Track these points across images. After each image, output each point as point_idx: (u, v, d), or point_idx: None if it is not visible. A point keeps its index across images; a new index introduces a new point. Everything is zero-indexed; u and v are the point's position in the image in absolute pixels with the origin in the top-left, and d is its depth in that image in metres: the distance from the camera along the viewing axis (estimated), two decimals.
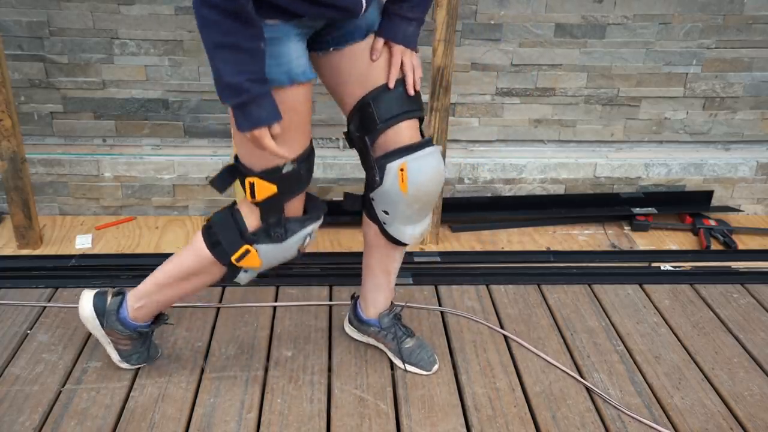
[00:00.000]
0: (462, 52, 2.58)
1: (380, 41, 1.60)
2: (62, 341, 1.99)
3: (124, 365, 1.86)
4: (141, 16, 2.47)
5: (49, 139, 2.66)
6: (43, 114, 2.62)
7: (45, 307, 2.14)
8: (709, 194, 2.83)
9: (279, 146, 1.46)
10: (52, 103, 2.60)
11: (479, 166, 2.73)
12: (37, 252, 2.46)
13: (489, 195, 2.78)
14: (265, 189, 1.56)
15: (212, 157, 2.65)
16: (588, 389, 1.87)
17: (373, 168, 1.66)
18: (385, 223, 1.74)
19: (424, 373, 1.89)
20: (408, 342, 1.92)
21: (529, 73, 2.66)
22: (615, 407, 1.81)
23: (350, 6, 1.49)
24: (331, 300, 2.22)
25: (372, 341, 1.98)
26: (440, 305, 2.21)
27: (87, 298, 1.81)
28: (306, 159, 1.60)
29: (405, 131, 1.64)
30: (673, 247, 2.63)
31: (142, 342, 1.85)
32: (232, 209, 1.66)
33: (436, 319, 2.14)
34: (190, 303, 2.17)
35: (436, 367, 1.91)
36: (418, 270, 2.40)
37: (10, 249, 2.47)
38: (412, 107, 1.65)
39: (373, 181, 1.68)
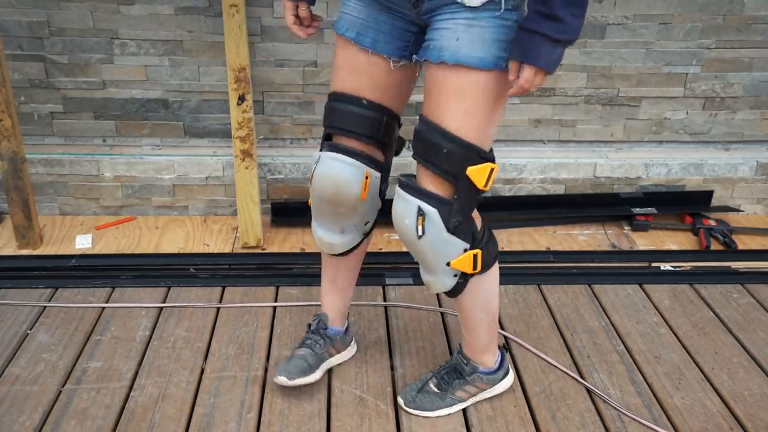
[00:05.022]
0: None
1: (512, 63, 1.39)
2: (62, 341, 2.00)
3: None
4: (141, 16, 2.47)
5: (49, 139, 2.66)
6: (43, 114, 2.62)
7: (45, 307, 2.14)
8: (709, 194, 2.83)
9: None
10: (52, 103, 2.60)
11: None
12: (37, 252, 2.46)
13: (489, 195, 2.78)
14: None
15: (212, 157, 2.65)
16: (588, 389, 1.87)
17: None
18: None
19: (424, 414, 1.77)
20: (431, 386, 1.79)
21: None
22: (615, 408, 1.81)
23: None
24: None
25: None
26: (440, 305, 2.21)
27: None
28: (335, 100, 1.62)
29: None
30: (673, 247, 2.63)
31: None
32: None
33: (437, 319, 2.14)
34: (189, 303, 2.17)
35: (437, 413, 1.76)
36: (418, 270, 2.40)
37: (10, 249, 2.47)
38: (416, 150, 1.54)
39: None
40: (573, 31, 1.33)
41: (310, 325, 1.91)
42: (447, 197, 1.50)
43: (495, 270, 1.67)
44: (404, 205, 1.52)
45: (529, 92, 1.44)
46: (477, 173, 1.47)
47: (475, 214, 1.59)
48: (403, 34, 1.54)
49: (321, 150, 1.64)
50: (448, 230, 1.51)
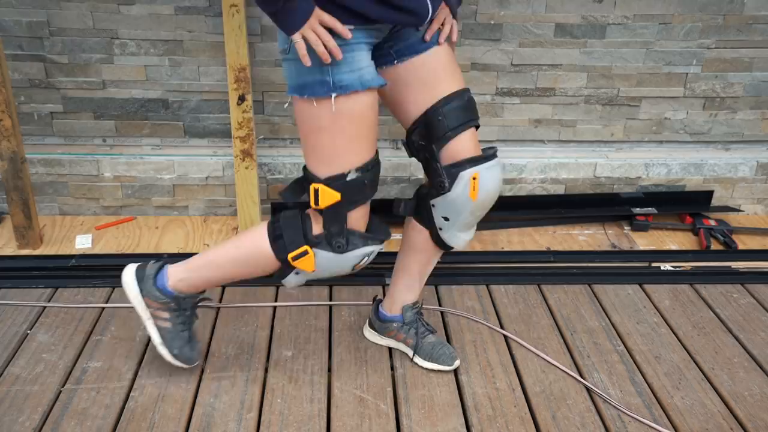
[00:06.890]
0: (462, 52, 2.58)
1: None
2: (62, 341, 2.00)
3: (165, 352, 1.83)
4: (141, 16, 2.47)
5: (49, 139, 2.66)
6: (43, 114, 2.62)
7: (45, 307, 2.14)
8: (709, 194, 2.83)
9: (345, 153, 1.56)
10: (52, 103, 2.60)
11: None
12: (37, 252, 2.46)
13: None
14: (329, 196, 1.58)
15: (212, 157, 2.65)
16: (588, 389, 1.87)
17: (441, 176, 1.68)
18: (441, 229, 1.77)
19: (446, 368, 1.90)
20: (429, 338, 1.94)
21: (529, 73, 2.66)
22: (615, 407, 1.81)
23: (417, 9, 1.53)
24: (331, 300, 2.22)
25: (392, 342, 1.99)
26: (440, 305, 2.21)
27: (130, 267, 1.84)
28: (370, 169, 1.61)
29: (469, 140, 1.70)
30: (673, 247, 2.63)
31: (182, 322, 1.82)
32: (302, 211, 1.68)
33: (436, 319, 2.14)
34: None
35: (457, 362, 1.91)
36: None
37: (10, 249, 2.47)
38: (474, 116, 1.71)
39: (440, 188, 1.70)
40: None
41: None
42: None
43: None
44: (498, 168, 1.72)
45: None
46: None
47: None
48: None
49: (361, 241, 1.66)
50: None
